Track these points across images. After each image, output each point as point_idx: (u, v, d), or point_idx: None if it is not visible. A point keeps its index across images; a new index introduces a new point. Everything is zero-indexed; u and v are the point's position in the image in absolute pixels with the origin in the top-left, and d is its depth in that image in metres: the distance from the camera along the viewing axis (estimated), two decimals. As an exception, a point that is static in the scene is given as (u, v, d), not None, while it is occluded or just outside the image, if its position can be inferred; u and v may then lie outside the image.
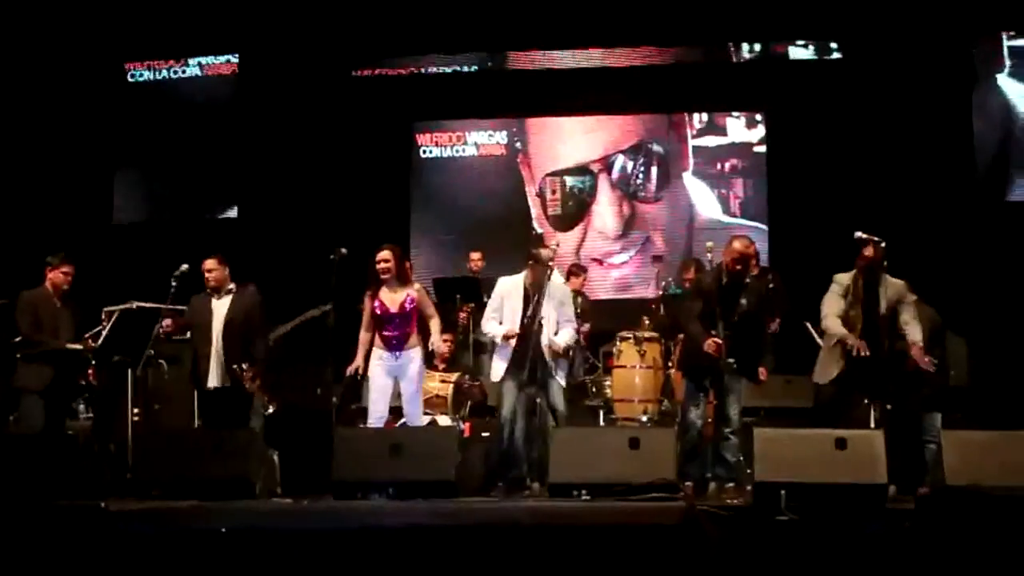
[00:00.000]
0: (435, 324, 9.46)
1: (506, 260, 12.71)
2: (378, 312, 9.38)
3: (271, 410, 10.31)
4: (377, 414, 9.36)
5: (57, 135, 14.40)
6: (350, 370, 9.44)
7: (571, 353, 9.71)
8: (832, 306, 9.07)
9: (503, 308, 9.43)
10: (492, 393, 10.86)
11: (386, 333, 9.37)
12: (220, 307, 9.63)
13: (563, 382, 9.40)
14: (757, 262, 9.77)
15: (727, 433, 8.99)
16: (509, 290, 9.47)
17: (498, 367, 9.41)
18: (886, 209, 12.31)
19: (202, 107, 15.03)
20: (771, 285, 10.24)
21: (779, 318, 10.63)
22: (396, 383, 9.43)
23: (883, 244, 8.90)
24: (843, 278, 9.11)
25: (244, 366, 9.46)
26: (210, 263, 9.71)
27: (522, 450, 9.30)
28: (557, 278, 9.50)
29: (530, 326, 9.14)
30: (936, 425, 9.32)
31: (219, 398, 9.55)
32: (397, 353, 9.36)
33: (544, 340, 9.15)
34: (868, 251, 9.02)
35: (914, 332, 8.95)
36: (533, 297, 9.25)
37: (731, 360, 8.88)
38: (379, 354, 9.40)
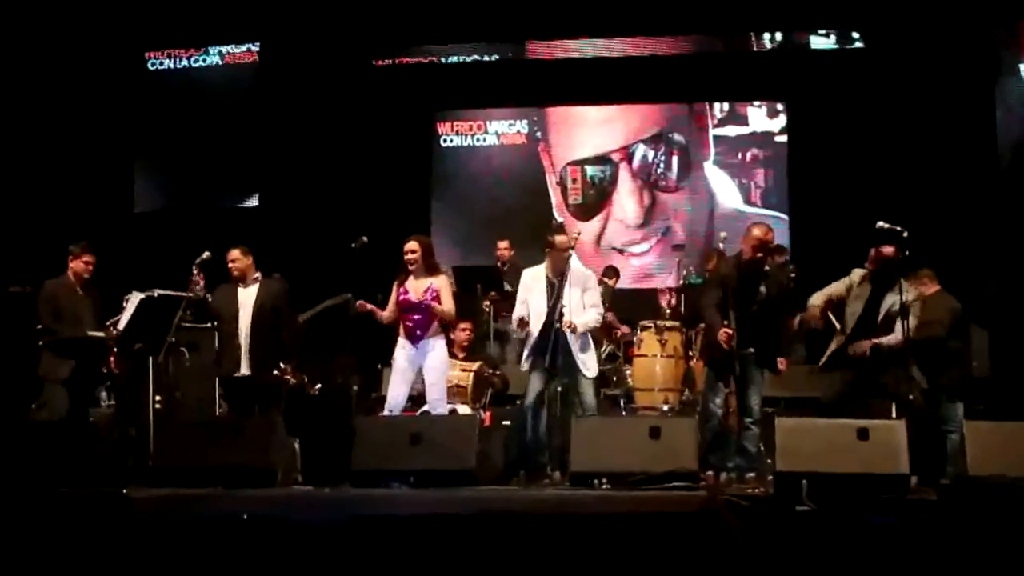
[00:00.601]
0: (442, 310, 9.45)
1: (527, 249, 12.73)
2: (402, 300, 9.42)
3: (317, 391, 10.38)
4: (395, 400, 9.39)
5: (78, 125, 14.41)
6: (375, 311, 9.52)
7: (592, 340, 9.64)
8: (827, 290, 9.13)
9: (529, 299, 9.45)
10: (514, 382, 10.87)
11: (408, 322, 9.41)
12: (247, 296, 9.67)
13: (591, 374, 9.38)
14: (778, 251, 9.71)
15: (748, 423, 8.98)
16: (531, 280, 9.49)
17: (526, 355, 9.43)
18: (908, 199, 12.26)
19: (222, 96, 15.06)
20: (793, 275, 10.18)
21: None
22: (418, 372, 9.47)
23: (905, 234, 8.84)
24: (857, 275, 9.08)
25: (282, 366, 9.56)
26: (234, 253, 9.74)
27: (544, 439, 9.31)
28: (579, 265, 9.45)
29: (551, 314, 9.14)
30: (958, 415, 9.31)
31: (249, 387, 9.59)
32: (419, 342, 9.39)
33: (568, 330, 9.14)
34: (887, 250, 8.95)
35: (895, 335, 8.89)
36: (555, 286, 9.25)
37: (751, 350, 8.87)
38: (402, 343, 9.45)
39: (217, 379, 10.33)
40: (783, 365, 9.14)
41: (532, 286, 9.47)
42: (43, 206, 13.88)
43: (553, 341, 9.10)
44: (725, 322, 8.79)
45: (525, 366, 9.44)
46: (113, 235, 13.00)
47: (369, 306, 9.52)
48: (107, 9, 14.32)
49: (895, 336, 8.86)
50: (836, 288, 9.16)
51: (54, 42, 14.19)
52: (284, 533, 6.97)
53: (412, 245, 9.51)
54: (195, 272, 9.52)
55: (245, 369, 9.57)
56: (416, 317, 9.39)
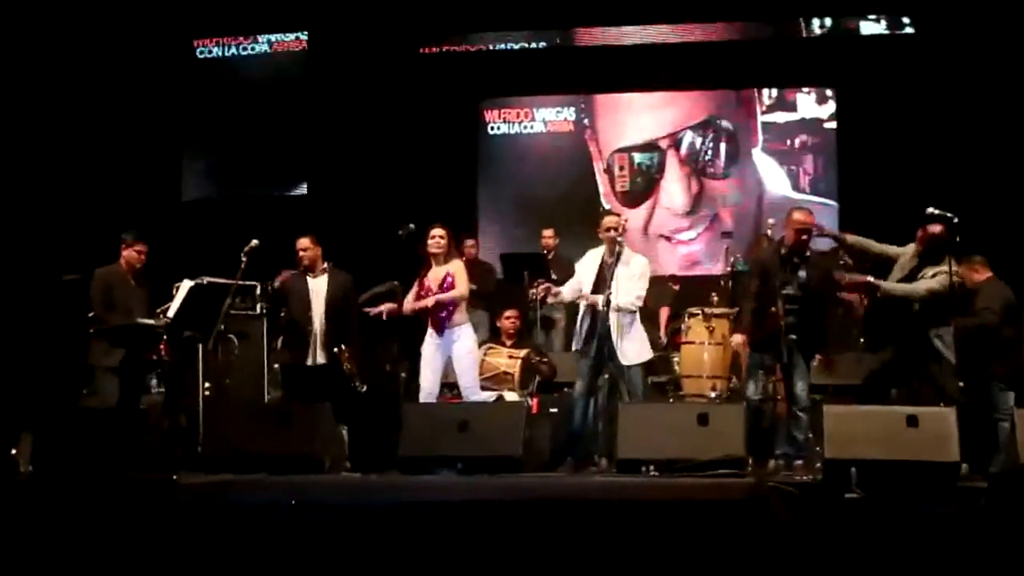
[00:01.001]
0: (454, 294, 9.46)
1: (574, 237, 12.72)
2: (425, 293, 9.48)
3: (364, 389, 10.44)
4: (427, 390, 9.44)
5: (127, 113, 14.50)
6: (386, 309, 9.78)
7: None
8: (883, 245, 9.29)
9: (582, 280, 9.48)
10: (562, 369, 10.88)
11: (432, 314, 9.46)
12: (317, 286, 9.82)
13: (627, 361, 9.31)
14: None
15: (796, 411, 8.94)
16: (587, 261, 9.53)
17: (576, 339, 9.46)
18: (959, 186, 12.15)
19: (270, 84, 15.10)
20: (841, 262, 10.11)
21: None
22: (447, 361, 9.51)
23: (955, 220, 8.77)
24: (911, 249, 9.05)
25: (343, 347, 9.62)
26: (305, 242, 9.88)
27: (592, 427, 9.31)
28: (633, 254, 9.43)
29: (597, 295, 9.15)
30: (1009, 403, 9.23)
31: (321, 376, 9.70)
32: (444, 331, 9.43)
33: (612, 316, 9.13)
34: (934, 228, 8.91)
35: (905, 286, 8.93)
36: (607, 268, 9.26)
37: (793, 336, 8.83)
38: (429, 332, 9.50)
39: (276, 367, 10.44)
40: (817, 361, 9.09)
41: (586, 267, 9.50)
42: (94, 195, 13.98)
43: (597, 325, 9.10)
44: (773, 309, 8.75)
45: (576, 347, 9.42)
46: (162, 223, 13.04)
47: (374, 312, 9.66)
48: (154, -3, 14.44)
49: (902, 286, 8.82)
50: (891, 248, 9.12)
51: (103, 30, 14.27)
52: (331, 519, 7.01)
53: (440, 231, 9.59)
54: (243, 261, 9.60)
55: (321, 358, 9.71)
56: (441, 306, 9.43)
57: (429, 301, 9.41)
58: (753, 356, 9.15)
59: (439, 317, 9.44)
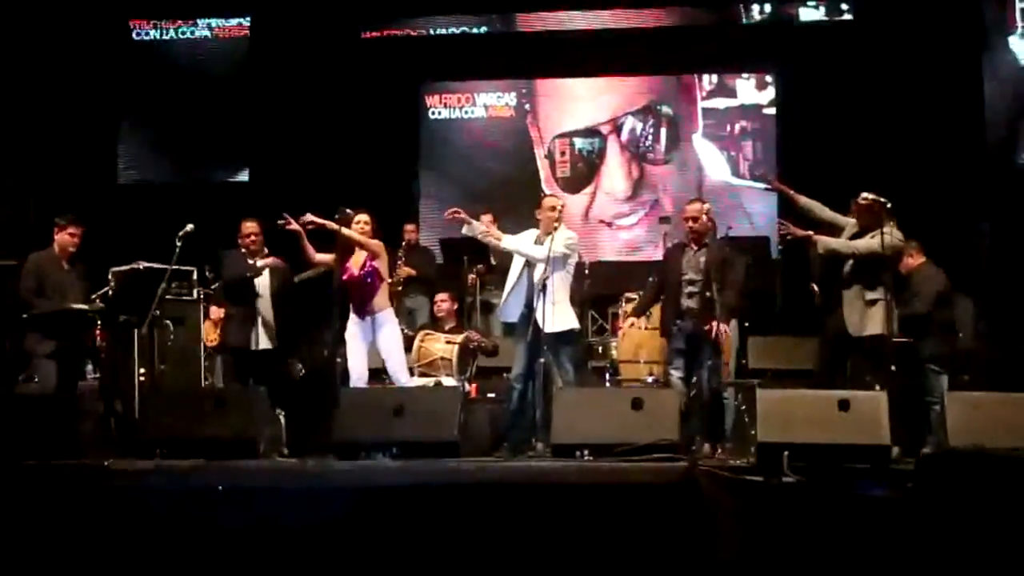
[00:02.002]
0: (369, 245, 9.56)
1: (515, 222, 12.68)
2: (347, 279, 9.56)
3: (302, 372, 10.51)
4: (356, 374, 9.48)
5: (60, 92, 14.25)
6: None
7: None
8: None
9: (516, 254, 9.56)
10: (501, 354, 10.89)
11: (354, 297, 9.56)
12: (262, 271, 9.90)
13: (565, 327, 9.36)
14: (715, 228, 9.79)
15: (710, 393, 9.11)
16: (522, 237, 9.60)
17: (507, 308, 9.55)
18: (896, 172, 12.26)
19: (211, 69, 14.97)
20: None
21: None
22: (372, 345, 9.59)
23: (889, 205, 8.84)
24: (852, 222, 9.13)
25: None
26: (253, 226, 9.96)
27: (530, 411, 9.34)
28: (563, 230, 9.46)
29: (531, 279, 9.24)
30: (942, 387, 9.31)
31: (264, 360, 9.80)
32: (366, 316, 9.52)
33: (549, 295, 9.16)
34: (864, 197, 8.97)
35: (842, 242, 9.03)
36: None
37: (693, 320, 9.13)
38: (352, 317, 9.59)
39: (208, 352, 10.42)
40: (724, 333, 9.14)
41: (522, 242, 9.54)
42: (25, 177, 13.76)
43: (533, 294, 9.22)
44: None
45: (502, 317, 9.57)
46: (97, 206, 12.89)
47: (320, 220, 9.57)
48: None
49: (841, 241, 8.97)
50: (840, 217, 9.17)
51: (34, 6, 14.00)
52: (263, 504, 6.99)
53: (367, 217, 9.67)
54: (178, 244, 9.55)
55: (265, 343, 9.80)
56: (357, 292, 9.51)
57: (328, 224, 9.45)
58: (669, 344, 9.37)
59: (360, 300, 9.50)
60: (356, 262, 9.58)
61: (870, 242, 8.84)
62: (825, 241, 8.99)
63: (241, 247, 10.00)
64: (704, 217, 9.37)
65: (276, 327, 9.85)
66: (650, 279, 10.08)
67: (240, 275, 9.91)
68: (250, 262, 9.90)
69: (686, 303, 9.20)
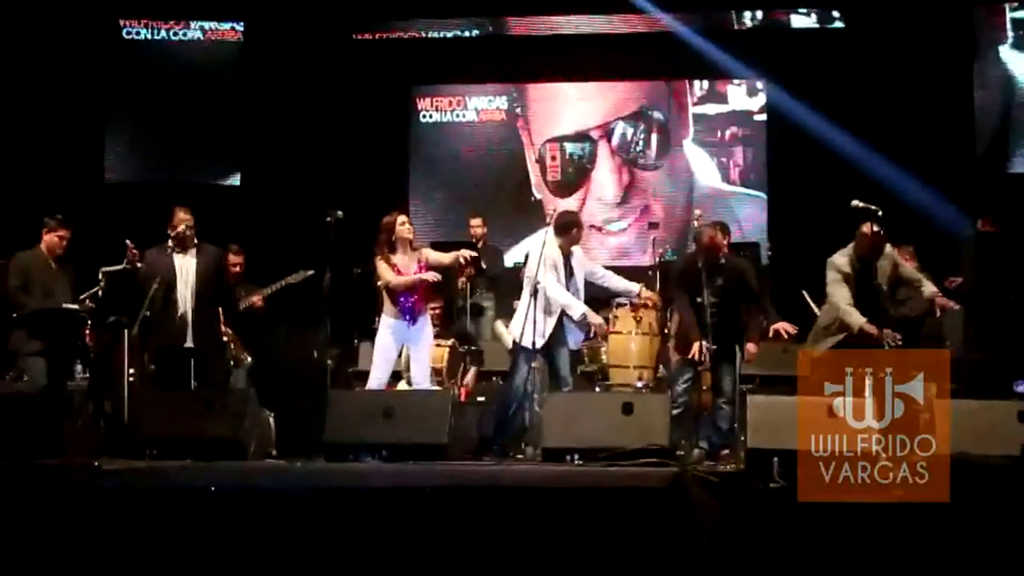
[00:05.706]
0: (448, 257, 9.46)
1: (505, 226, 12.75)
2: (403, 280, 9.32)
3: (249, 360, 10.44)
4: (378, 380, 9.34)
5: (48, 91, 14.17)
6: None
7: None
8: (843, 296, 8.95)
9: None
10: (492, 357, 10.90)
11: (402, 299, 9.29)
12: (186, 264, 9.53)
13: (573, 345, 9.44)
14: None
15: (721, 403, 9.05)
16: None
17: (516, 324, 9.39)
18: (886, 179, 12.30)
19: (201, 71, 14.90)
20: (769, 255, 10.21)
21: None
22: (402, 349, 9.45)
23: (880, 212, 8.85)
24: (840, 263, 9.03)
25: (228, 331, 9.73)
26: (188, 215, 9.61)
27: (525, 416, 9.35)
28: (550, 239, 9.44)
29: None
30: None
31: (191, 357, 9.57)
32: (412, 319, 9.32)
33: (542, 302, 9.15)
34: (866, 228, 8.92)
35: (926, 284, 9.07)
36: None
37: (714, 346, 9.02)
38: (388, 322, 9.34)
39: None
40: (751, 351, 9.18)
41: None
42: (12, 175, 13.72)
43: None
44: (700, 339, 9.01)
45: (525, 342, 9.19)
46: (84, 205, 12.83)
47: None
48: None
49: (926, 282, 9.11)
50: (847, 292, 9.06)
51: (23, 3, 13.95)
52: (253, 505, 6.97)
53: (406, 218, 9.49)
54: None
55: (189, 341, 9.48)
56: (413, 296, 9.32)
57: (415, 279, 9.24)
58: (682, 356, 9.31)
59: (409, 303, 9.30)
60: (407, 265, 9.34)
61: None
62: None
63: (171, 238, 9.57)
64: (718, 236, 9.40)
65: (198, 320, 9.49)
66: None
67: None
68: (175, 255, 9.52)
69: (710, 321, 9.11)
